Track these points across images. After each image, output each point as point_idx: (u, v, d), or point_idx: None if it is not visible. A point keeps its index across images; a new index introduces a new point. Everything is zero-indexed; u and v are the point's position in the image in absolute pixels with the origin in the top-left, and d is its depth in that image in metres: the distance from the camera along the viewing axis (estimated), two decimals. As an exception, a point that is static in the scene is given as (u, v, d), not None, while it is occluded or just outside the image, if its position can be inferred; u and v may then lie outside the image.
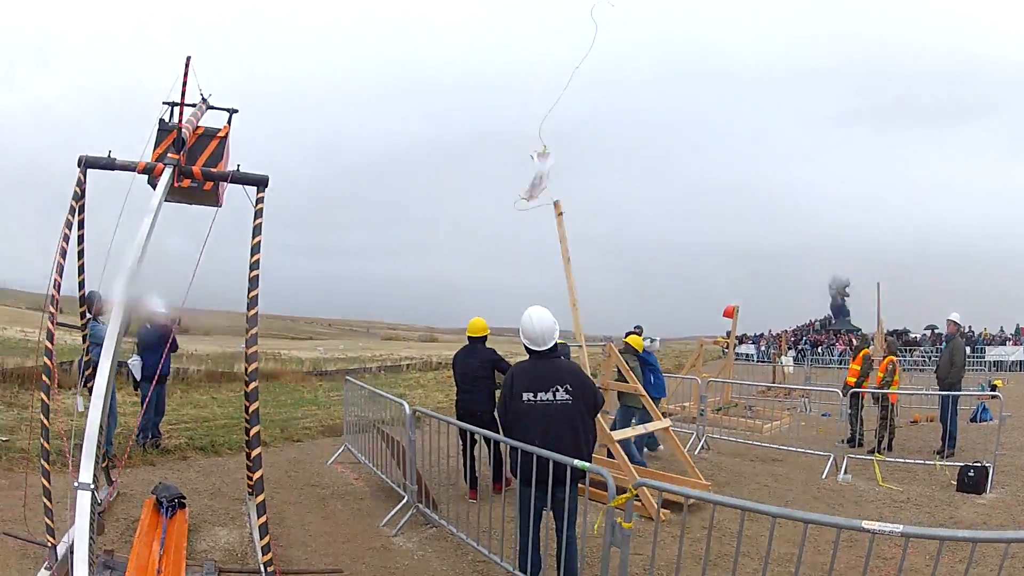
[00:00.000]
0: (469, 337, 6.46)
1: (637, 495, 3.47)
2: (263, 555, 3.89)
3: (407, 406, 5.72)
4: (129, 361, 7.39)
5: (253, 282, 4.17)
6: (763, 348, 29.57)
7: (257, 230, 4.28)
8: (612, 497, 3.38)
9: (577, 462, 3.67)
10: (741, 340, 24.54)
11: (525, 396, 3.87)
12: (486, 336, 6.57)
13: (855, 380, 9.38)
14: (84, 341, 5.47)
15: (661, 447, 8.56)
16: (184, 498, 4.96)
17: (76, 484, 2.99)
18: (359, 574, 4.52)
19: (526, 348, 4.04)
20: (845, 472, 7.55)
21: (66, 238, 4.05)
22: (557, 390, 3.87)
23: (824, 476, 7.49)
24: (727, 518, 5.24)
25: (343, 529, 5.44)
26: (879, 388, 9.10)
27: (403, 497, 5.66)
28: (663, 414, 7.34)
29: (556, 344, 4.05)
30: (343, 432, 8.35)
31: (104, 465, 5.39)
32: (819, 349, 29.34)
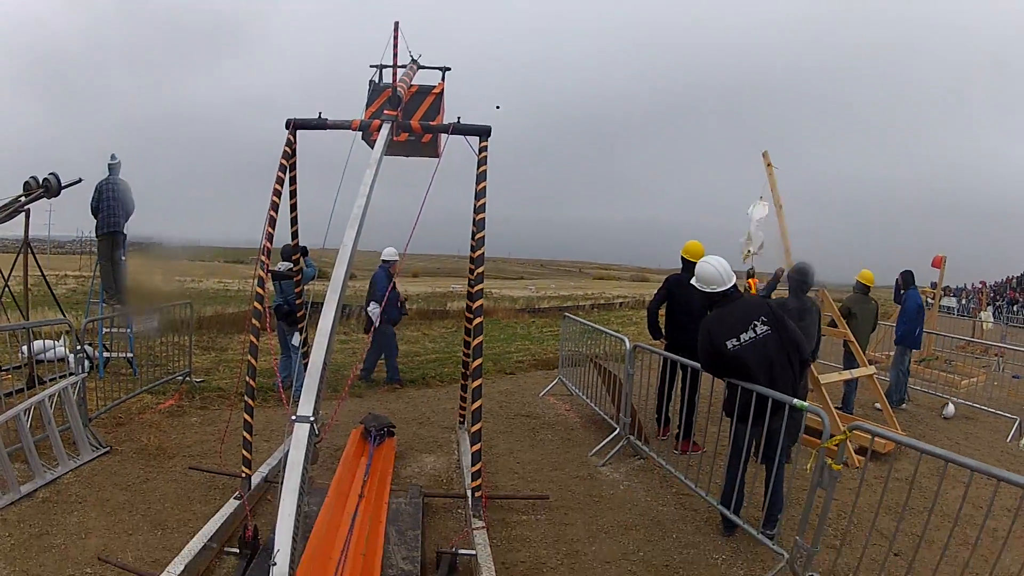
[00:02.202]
0: (685, 261, 5.81)
1: (849, 438, 3.42)
2: (472, 480, 3.99)
3: (628, 341, 5.73)
4: (368, 308, 7.71)
5: (479, 224, 4.32)
6: (964, 302, 28.93)
7: (481, 176, 4.42)
8: (826, 438, 3.34)
9: (796, 401, 3.61)
10: (945, 292, 23.48)
11: (729, 343, 3.83)
12: None
13: None
14: (297, 286, 5.87)
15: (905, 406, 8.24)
16: (393, 427, 5.04)
17: (294, 417, 2.80)
18: (565, 501, 4.56)
19: (709, 296, 4.03)
20: (1024, 438, 6.92)
21: (277, 194, 4.22)
22: (756, 325, 3.85)
23: (1008, 440, 7.12)
24: (912, 469, 4.83)
25: (551, 458, 5.48)
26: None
27: (614, 429, 5.67)
28: (869, 361, 7.04)
29: (736, 283, 4.04)
30: (558, 366, 8.24)
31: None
32: (1015, 308, 28.08)
